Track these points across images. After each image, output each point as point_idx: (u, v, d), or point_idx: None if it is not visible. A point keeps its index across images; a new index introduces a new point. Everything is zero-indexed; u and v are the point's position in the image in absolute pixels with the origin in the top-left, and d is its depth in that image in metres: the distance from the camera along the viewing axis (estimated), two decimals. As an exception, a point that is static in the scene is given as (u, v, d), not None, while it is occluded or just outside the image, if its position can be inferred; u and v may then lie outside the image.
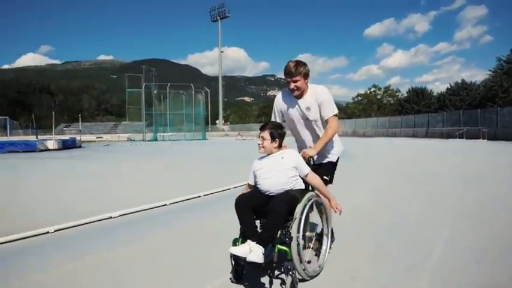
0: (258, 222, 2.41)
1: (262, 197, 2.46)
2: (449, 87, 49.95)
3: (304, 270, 2.32)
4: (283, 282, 2.27)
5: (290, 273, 2.16)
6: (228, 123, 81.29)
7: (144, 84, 42.50)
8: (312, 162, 2.69)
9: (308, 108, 2.80)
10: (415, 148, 18.52)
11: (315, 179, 2.56)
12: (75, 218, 4.12)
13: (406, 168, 9.56)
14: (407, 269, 2.62)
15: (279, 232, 2.25)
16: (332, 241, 2.89)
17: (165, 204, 4.98)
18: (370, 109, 62.06)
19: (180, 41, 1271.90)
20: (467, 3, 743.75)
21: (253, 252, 2.14)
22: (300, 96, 2.81)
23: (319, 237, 2.73)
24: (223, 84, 77.17)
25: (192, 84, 45.07)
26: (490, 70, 44.76)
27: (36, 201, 5.60)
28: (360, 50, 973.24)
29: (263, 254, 2.16)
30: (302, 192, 2.47)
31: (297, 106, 2.84)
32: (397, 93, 62.77)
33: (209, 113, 55.32)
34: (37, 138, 26.85)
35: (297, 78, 2.72)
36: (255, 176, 2.58)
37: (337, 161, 3.00)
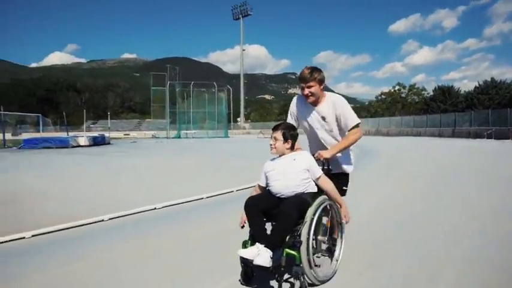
0: (269, 225, 2.38)
1: (272, 199, 2.42)
2: (477, 85, 48.58)
3: (314, 275, 2.26)
4: (292, 286, 2.29)
5: (299, 278, 2.13)
6: (249, 121, 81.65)
7: (168, 82, 43.31)
8: (325, 166, 2.62)
9: (324, 118, 2.77)
10: (455, 149, 18.13)
11: (326, 183, 2.49)
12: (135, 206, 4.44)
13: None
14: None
15: (288, 236, 2.20)
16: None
17: (202, 198, 5.28)
18: (394, 108, 60.92)
19: (201, 39, 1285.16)
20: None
21: (260, 255, 2.11)
22: (315, 103, 2.77)
23: (333, 242, 2.67)
24: (244, 82, 77.52)
25: (214, 83, 45.59)
26: (521, 68, 43.15)
27: (87, 193, 5.97)
28: (384, 46, 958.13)
29: (271, 258, 2.12)
30: (314, 196, 2.42)
31: (312, 114, 2.81)
32: (423, 92, 61.39)
33: (231, 111, 55.80)
34: (68, 134, 27.87)
35: (312, 84, 2.68)
36: (266, 178, 2.53)
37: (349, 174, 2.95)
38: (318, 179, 2.47)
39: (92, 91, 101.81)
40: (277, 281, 2.26)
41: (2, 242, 3.33)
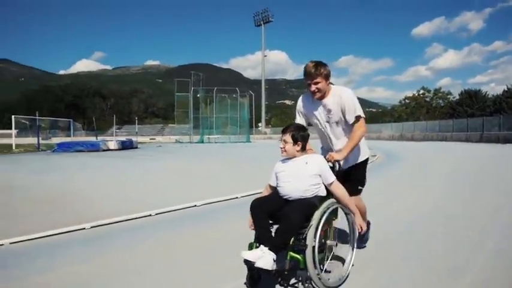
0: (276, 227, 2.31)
1: (280, 201, 2.37)
2: (506, 89, 47.11)
3: (321, 280, 2.15)
4: None
5: (305, 283, 2.09)
6: (270, 126, 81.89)
7: (192, 88, 44.18)
8: (337, 168, 2.57)
9: (329, 110, 2.71)
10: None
11: (339, 189, 2.42)
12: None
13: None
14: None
15: (293, 239, 2.15)
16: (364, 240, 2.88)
17: (237, 197, 5.54)
18: (419, 112, 59.75)
19: (222, 45, 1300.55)
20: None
21: (263, 258, 2.06)
22: (322, 98, 2.71)
23: (344, 247, 2.59)
24: (265, 88, 77.97)
25: (237, 88, 46.17)
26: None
27: (127, 192, 6.36)
28: (407, 50, 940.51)
29: (274, 260, 2.07)
30: (322, 199, 2.36)
31: (319, 109, 2.75)
32: (448, 96, 59.98)
33: (253, 116, 56.20)
34: (97, 139, 28.90)
35: (318, 80, 2.61)
36: (276, 178, 2.50)
37: (365, 163, 2.92)
38: (330, 184, 2.41)
39: (117, 97, 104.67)
40: (280, 285, 2.24)
41: (66, 232, 3.71)
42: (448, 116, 48.31)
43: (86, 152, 19.55)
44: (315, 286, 2.15)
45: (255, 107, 61.33)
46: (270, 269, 2.05)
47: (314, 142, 2.62)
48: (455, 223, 3.93)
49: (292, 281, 2.29)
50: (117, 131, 66.06)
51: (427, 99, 61.99)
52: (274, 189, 2.52)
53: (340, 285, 2.35)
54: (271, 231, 2.25)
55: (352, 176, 2.83)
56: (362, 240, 2.84)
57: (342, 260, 2.56)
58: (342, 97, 2.67)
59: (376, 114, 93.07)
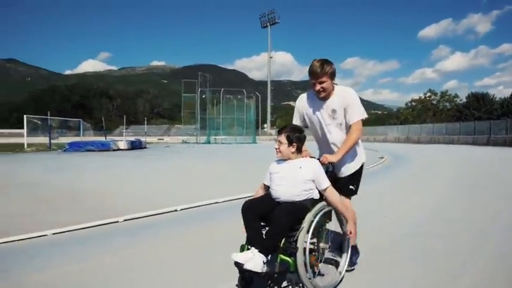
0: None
1: (271, 203, 2.33)
2: (513, 92, 46.81)
3: (312, 283, 2.12)
4: None
5: (295, 287, 2.08)
6: (275, 127, 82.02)
7: (199, 89, 44.56)
8: (330, 169, 2.52)
9: (334, 111, 2.60)
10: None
11: (333, 196, 2.36)
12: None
13: None
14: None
15: (284, 241, 2.12)
16: (356, 257, 2.71)
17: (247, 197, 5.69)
18: (425, 115, 59.58)
19: (227, 46, 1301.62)
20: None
21: (252, 260, 2.03)
22: (326, 98, 2.60)
23: (338, 250, 2.53)
24: (271, 89, 78.20)
25: (244, 90, 46.48)
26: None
27: (142, 189, 6.61)
28: (413, 52, 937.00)
29: (263, 263, 2.05)
30: (314, 202, 2.31)
31: (322, 109, 2.64)
32: (455, 99, 59.74)
33: (259, 118, 56.46)
34: (105, 138, 29.29)
35: (324, 79, 2.50)
36: (270, 179, 2.46)
37: (361, 169, 2.77)
38: (324, 190, 2.35)
39: (123, 97, 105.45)
40: (270, 287, 2.21)
41: (99, 225, 3.96)
42: (455, 119, 48.12)
43: (96, 152, 19.91)
44: None
45: (260, 108, 61.61)
46: (260, 271, 2.03)
47: (310, 144, 2.56)
48: (455, 225, 3.97)
49: (284, 284, 2.27)
50: (123, 131, 66.62)
51: (434, 101, 61.80)
52: (268, 189, 2.48)
53: None
54: (262, 233, 2.22)
55: (347, 180, 2.73)
56: (350, 263, 2.59)
57: (335, 264, 2.52)
58: (347, 97, 2.59)
59: (382, 116, 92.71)
